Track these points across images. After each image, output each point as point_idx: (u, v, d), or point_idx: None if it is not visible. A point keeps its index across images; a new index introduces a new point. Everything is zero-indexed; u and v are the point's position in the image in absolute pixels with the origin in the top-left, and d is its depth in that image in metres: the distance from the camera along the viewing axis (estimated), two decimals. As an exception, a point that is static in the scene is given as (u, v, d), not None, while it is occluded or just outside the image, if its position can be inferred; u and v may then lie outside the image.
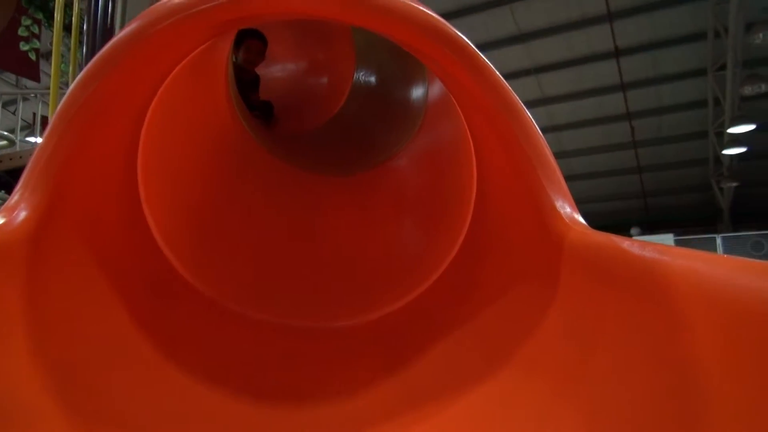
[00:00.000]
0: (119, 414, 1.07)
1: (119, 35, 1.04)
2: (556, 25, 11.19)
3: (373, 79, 2.91)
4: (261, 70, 3.14)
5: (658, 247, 0.85)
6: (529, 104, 1.11)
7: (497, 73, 1.09)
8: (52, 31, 3.47)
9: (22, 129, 5.53)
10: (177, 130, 1.69)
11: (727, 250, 12.62)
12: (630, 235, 14.03)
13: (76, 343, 1.08)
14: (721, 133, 12.76)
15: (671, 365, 0.75)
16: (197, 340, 1.44)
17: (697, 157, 14.53)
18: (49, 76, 3.37)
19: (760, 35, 9.37)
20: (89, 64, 1.02)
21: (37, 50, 6.00)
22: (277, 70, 3.43)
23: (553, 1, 10.62)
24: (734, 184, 13.93)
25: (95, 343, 1.13)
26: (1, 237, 0.91)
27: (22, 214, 0.95)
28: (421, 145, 2.20)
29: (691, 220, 15.76)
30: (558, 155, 1.10)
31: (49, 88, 3.37)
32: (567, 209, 1.09)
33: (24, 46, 5.85)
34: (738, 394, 0.65)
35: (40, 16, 5.86)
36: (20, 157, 3.32)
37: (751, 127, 11.44)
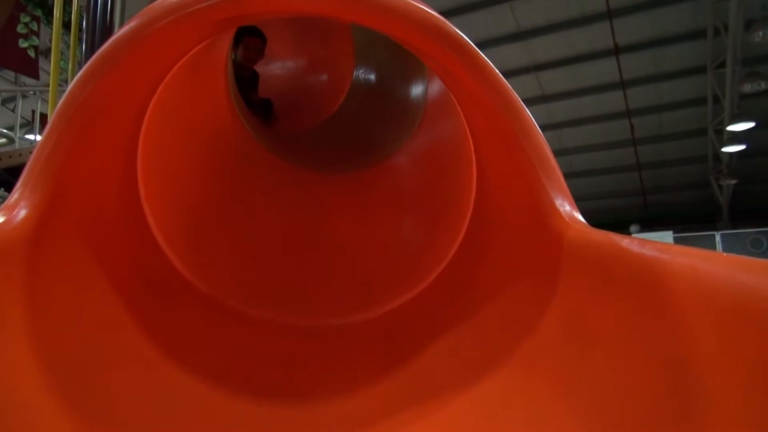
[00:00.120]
0: (119, 413, 1.07)
1: (118, 33, 1.04)
2: (556, 22, 11.18)
3: (372, 76, 2.90)
4: (260, 68, 3.14)
5: (657, 245, 0.85)
6: (529, 102, 1.11)
7: (497, 71, 1.09)
8: (51, 29, 3.46)
9: (21, 126, 5.52)
10: (176, 129, 1.69)
11: (726, 247, 12.64)
12: (629, 233, 14.04)
13: (76, 342, 1.08)
14: (720, 131, 12.76)
15: (670, 363, 0.75)
16: (197, 339, 1.44)
17: (696, 155, 14.53)
18: (48, 73, 3.37)
19: (760, 33, 9.35)
20: (88, 63, 1.02)
21: (36, 47, 5.98)
22: (276, 68, 3.42)
23: (552, -1, 10.62)
24: (733, 182, 13.93)
25: (95, 342, 1.13)
26: (1, 235, 0.91)
27: (22, 213, 0.95)
28: (420, 143, 2.19)
29: (691, 217, 15.77)
30: (558, 153, 1.10)
31: (48, 86, 3.36)
32: (566, 207, 1.09)
33: (23, 44, 5.84)
34: (737, 391, 0.65)
35: (39, 13, 5.85)
36: (20, 155, 3.31)
37: (751, 124, 11.43)
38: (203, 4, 1.03)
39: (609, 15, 10.01)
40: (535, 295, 1.16)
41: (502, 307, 1.30)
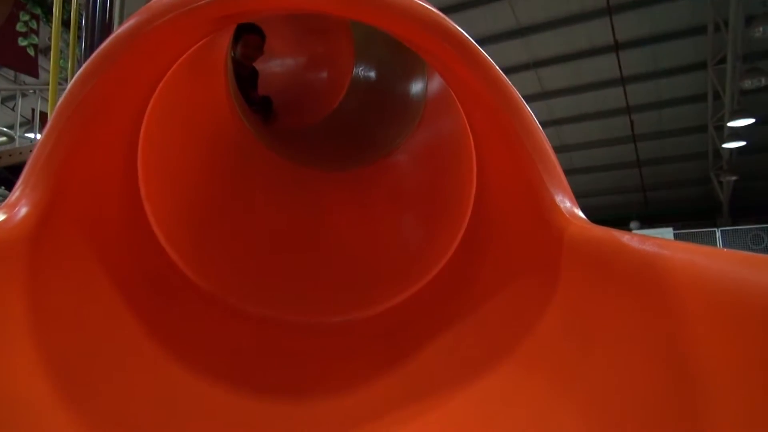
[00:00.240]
0: (120, 410, 1.07)
1: (118, 31, 1.03)
2: (556, 19, 11.16)
3: (372, 73, 2.90)
4: (260, 66, 3.13)
5: (657, 241, 0.85)
6: (529, 98, 1.10)
7: (497, 68, 1.09)
8: (51, 27, 3.45)
9: (21, 125, 5.51)
10: (177, 126, 1.69)
11: (727, 243, 12.64)
12: (629, 229, 14.03)
13: (77, 339, 1.08)
14: (720, 127, 12.74)
15: (671, 360, 0.75)
16: (198, 336, 1.44)
17: (696, 151, 14.52)
18: (48, 71, 3.36)
19: (760, 29, 9.33)
20: (88, 61, 1.02)
21: (35, 46, 5.98)
22: (276, 65, 3.42)
23: (552, -5, 10.61)
24: (734, 178, 13.92)
25: (97, 339, 1.13)
26: (2, 234, 0.92)
27: (23, 211, 0.95)
28: (420, 140, 2.19)
29: (691, 213, 15.76)
30: (558, 149, 1.09)
31: (48, 84, 3.36)
32: (567, 203, 1.09)
33: (22, 42, 5.83)
34: (738, 388, 0.65)
35: (38, 11, 5.84)
36: (20, 153, 3.32)
37: (751, 120, 11.42)
38: (202, 2, 1.03)
39: (609, 11, 9.99)
40: (536, 291, 1.16)
41: (503, 303, 1.30)
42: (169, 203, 1.62)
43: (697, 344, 0.72)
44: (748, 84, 10.58)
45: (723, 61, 11.18)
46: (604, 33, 10.69)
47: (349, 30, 2.97)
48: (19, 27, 5.79)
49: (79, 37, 3.47)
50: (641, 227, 15.10)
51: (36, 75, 6.29)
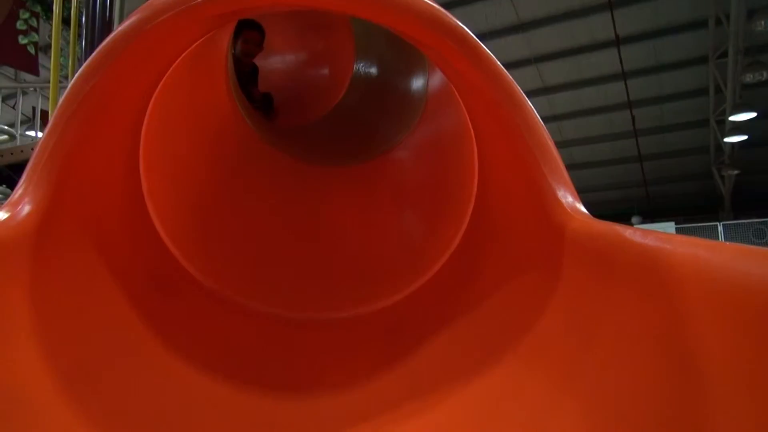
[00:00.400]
0: (123, 406, 1.08)
1: (119, 29, 1.03)
2: (557, 14, 11.13)
3: (373, 69, 2.90)
4: (261, 62, 3.13)
5: (660, 236, 0.85)
6: (530, 93, 1.10)
7: (498, 63, 1.09)
8: (51, 25, 3.45)
9: (22, 123, 5.52)
10: (178, 124, 1.69)
11: (729, 237, 12.63)
12: (631, 224, 13.98)
13: (81, 336, 1.08)
14: (722, 121, 12.72)
15: (674, 354, 0.75)
16: (200, 333, 1.45)
17: (698, 146, 14.49)
18: (49, 69, 3.36)
19: (762, 22, 9.30)
20: (89, 59, 1.02)
21: (35, 44, 5.97)
22: (276, 62, 3.42)
23: (553, -10, 10.58)
24: (735, 172, 13.90)
25: (99, 336, 1.14)
26: (5, 232, 0.92)
27: (26, 209, 0.95)
28: (422, 136, 2.19)
29: (693, 208, 15.74)
30: (559, 144, 1.09)
31: (48, 82, 3.36)
32: (569, 198, 1.08)
33: (23, 40, 5.83)
34: (742, 383, 0.65)
35: (38, 9, 5.83)
36: (21, 152, 3.32)
37: (753, 114, 11.39)
38: (202, -1, 1.03)
39: (610, 6, 9.95)
40: (538, 287, 1.16)
41: (505, 299, 1.30)
42: (172, 200, 1.62)
43: (699, 338, 0.72)
44: (749, 78, 10.56)
45: (724, 55, 11.14)
46: (605, 28, 10.66)
47: (349, 26, 2.96)
48: (20, 25, 5.79)
49: (80, 35, 3.46)
50: (643, 222, 15.09)
51: (36, 73, 6.29)
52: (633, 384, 0.83)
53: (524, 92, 1.10)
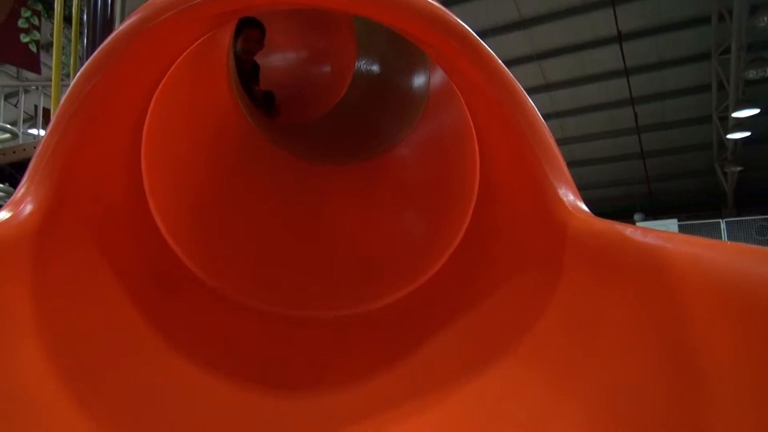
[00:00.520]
0: (125, 403, 1.08)
1: (120, 28, 1.04)
2: (558, 10, 11.11)
3: (374, 67, 2.89)
4: (262, 60, 3.13)
5: (660, 234, 0.85)
6: (532, 90, 1.11)
7: (499, 61, 1.09)
8: (52, 23, 3.46)
9: (24, 121, 5.53)
10: (180, 122, 1.70)
11: (732, 234, 12.59)
12: (633, 221, 14.01)
13: (83, 335, 1.09)
14: (725, 118, 12.69)
15: (674, 354, 0.75)
16: (202, 330, 1.45)
17: (700, 142, 14.47)
18: (50, 67, 3.37)
19: (765, 18, 9.28)
20: (91, 58, 1.02)
21: (37, 42, 5.99)
22: (278, 60, 3.42)
23: (555, -14, 10.55)
24: (738, 169, 13.87)
25: (102, 334, 1.14)
26: (8, 231, 0.92)
27: (28, 208, 0.96)
28: (423, 134, 2.19)
29: (695, 205, 15.71)
30: (561, 141, 1.10)
31: (50, 80, 3.37)
32: (570, 196, 1.09)
33: (24, 38, 5.84)
34: (744, 381, 0.65)
35: (39, 7, 5.84)
36: (23, 150, 3.33)
37: (756, 111, 11.36)
38: (204, -2, 1.03)
39: (612, 2, 9.93)
40: (539, 285, 1.16)
41: (506, 298, 1.30)
42: (173, 198, 1.63)
43: (700, 337, 0.72)
44: (752, 74, 10.54)
45: (727, 51, 11.12)
46: (607, 24, 10.64)
47: (351, 24, 2.96)
48: (21, 23, 5.80)
49: (81, 33, 3.47)
50: (645, 219, 15.07)
51: (38, 71, 6.31)
52: (633, 383, 0.83)
53: (526, 89, 1.10)
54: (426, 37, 1.18)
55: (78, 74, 1.03)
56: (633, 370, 0.84)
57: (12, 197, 0.98)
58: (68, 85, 1.05)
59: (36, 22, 5.88)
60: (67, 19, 3.72)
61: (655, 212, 15.53)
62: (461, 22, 1.06)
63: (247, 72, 2.89)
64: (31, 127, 7.11)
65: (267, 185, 2.10)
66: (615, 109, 13.51)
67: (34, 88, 6.46)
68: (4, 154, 3.37)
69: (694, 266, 0.76)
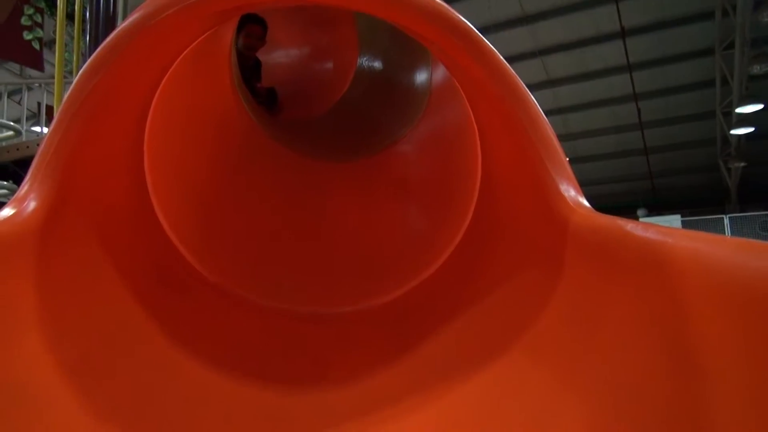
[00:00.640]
0: (128, 399, 1.09)
1: (122, 25, 1.04)
2: (561, 6, 11.08)
3: (376, 64, 2.90)
4: (265, 57, 3.13)
5: (661, 229, 0.85)
6: (535, 86, 1.11)
7: (501, 58, 1.09)
8: (55, 20, 3.46)
9: (27, 118, 5.54)
10: (182, 119, 1.70)
11: (735, 230, 12.55)
12: (637, 217, 13.99)
13: (87, 331, 1.09)
14: (728, 113, 12.65)
15: (675, 348, 0.76)
16: (205, 327, 1.46)
17: (704, 138, 14.42)
18: (53, 65, 3.38)
19: (769, 13, 9.23)
20: (93, 55, 1.03)
21: (40, 39, 6.00)
22: (280, 56, 3.42)
23: (558, -18, 10.52)
24: (742, 164, 13.83)
25: (105, 330, 1.15)
26: (12, 228, 0.93)
27: (32, 205, 0.96)
28: (425, 130, 2.19)
29: (699, 200, 15.67)
30: (564, 137, 1.10)
31: (53, 78, 3.38)
32: (571, 192, 1.09)
33: (27, 36, 5.85)
34: (744, 375, 0.65)
35: (42, 5, 5.85)
36: (27, 147, 3.34)
37: (759, 106, 11.33)
38: (206, -5, 1.03)
39: (615, -3, 9.90)
40: (541, 281, 1.16)
41: (507, 293, 1.30)
42: (176, 195, 1.63)
43: (701, 332, 0.72)
44: (756, 69, 10.50)
45: (731, 46, 11.07)
46: (610, 19, 10.60)
47: (353, 20, 2.96)
48: (24, 21, 5.81)
49: (84, 31, 3.47)
50: (649, 215, 15.04)
51: (41, 68, 6.32)
52: (634, 378, 0.83)
53: (529, 85, 1.10)
54: (428, 34, 1.18)
55: (80, 72, 1.04)
56: (634, 365, 0.84)
57: (15, 194, 0.98)
58: (71, 83, 1.06)
59: (39, 19, 5.89)
60: (69, 17, 3.72)
61: (658, 208, 15.49)
62: (463, 18, 1.06)
63: (249, 68, 2.89)
64: (34, 124, 7.12)
65: (269, 182, 2.10)
66: (618, 105, 13.47)
67: (37, 85, 6.48)
68: (8, 152, 3.38)
69: (694, 261, 0.76)
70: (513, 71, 1.10)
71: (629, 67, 11.34)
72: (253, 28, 2.87)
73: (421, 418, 1.16)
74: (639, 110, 12.59)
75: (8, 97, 5.76)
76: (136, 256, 1.39)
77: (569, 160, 1.13)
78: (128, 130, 1.39)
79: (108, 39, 1.03)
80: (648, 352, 0.82)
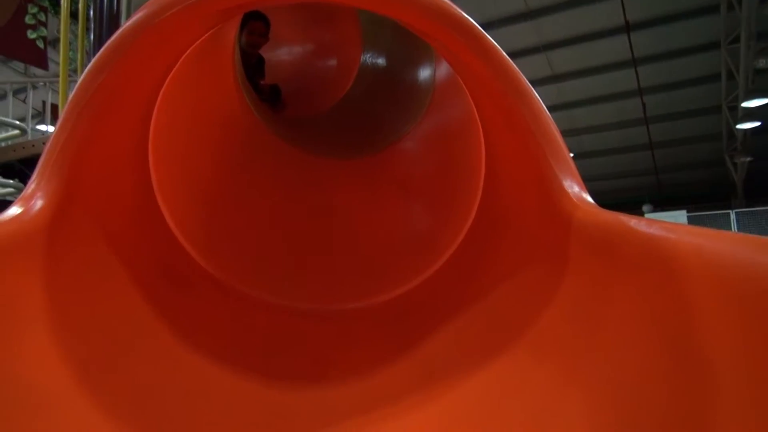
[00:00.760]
0: (134, 394, 1.10)
1: (126, 25, 1.04)
2: (565, 0, 11.02)
3: (380, 60, 2.89)
4: (268, 54, 3.13)
5: (665, 225, 0.85)
6: (539, 82, 1.11)
7: (505, 55, 1.09)
8: (59, 19, 3.47)
9: (32, 117, 5.57)
10: (186, 117, 1.71)
11: (742, 225, 12.50)
12: (642, 213, 13.94)
13: (93, 327, 1.10)
14: (734, 107, 12.58)
15: (678, 344, 0.76)
16: (210, 323, 1.47)
17: (710, 132, 14.35)
18: (58, 63, 3.39)
19: (775, 6, 9.16)
20: (97, 55, 1.03)
21: (44, 38, 6.01)
22: (283, 53, 3.42)
23: (562, -24, 10.47)
24: (748, 159, 13.76)
25: (111, 327, 1.16)
26: (19, 226, 0.94)
27: (39, 204, 0.97)
28: (429, 126, 2.19)
29: (705, 196, 15.62)
30: (569, 133, 1.10)
31: (58, 76, 3.39)
32: (575, 188, 1.09)
33: (31, 35, 5.87)
34: (747, 371, 0.66)
35: (46, 3, 5.87)
36: (32, 146, 3.35)
37: (765, 100, 11.25)
38: (209, -7, 1.03)
39: (620, -9, 9.84)
40: (544, 277, 1.16)
41: (511, 290, 1.30)
42: (181, 193, 1.64)
43: (703, 328, 0.72)
44: (762, 63, 10.43)
45: (737, 40, 11.00)
46: (614, 14, 10.54)
47: (356, 17, 2.96)
48: (28, 20, 5.83)
49: (88, 29, 3.48)
50: (654, 210, 14.99)
51: (45, 67, 6.33)
52: (637, 375, 0.83)
53: (533, 80, 1.10)
54: (430, 31, 1.18)
55: (85, 71, 1.04)
56: (636, 361, 0.84)
57: (23, 193, 0.99)
58: (76, 81, 1.06)
59: (43, 18, 5.91)
60: (73, 15, 3.73)
61: (663, 203, 15.44)
62: (465, 14, 1.06)
63: (252, 66, 2.90)
64: (39, 122, 7.15)
65: (272, 179, 2.11)
66: (623, 100, 13.42)
67: (42, 84, 6.50)
68: (14, 151, 3.40)
69: (698, 257, 0.76)
70: (516, 68, 1.10)
71: (634, 62, 11.28)
72: (255, 25, 2.87)
73: (422, 416, 1.17)
74: (644, 105, 12.53)
75: (13, 95, 5.78)
76: (141, 253, 1.40)
77: (574, 156, 1.13)
78: (133, 129, 1.40)
79: (113, 38, 1.04)
80: (651, 349, 0.82)
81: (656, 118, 13.43)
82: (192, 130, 1.78)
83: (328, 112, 2.92)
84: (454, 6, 1.06)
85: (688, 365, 0.73)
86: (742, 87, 11.65)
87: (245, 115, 2.17)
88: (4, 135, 4.90)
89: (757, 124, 12.16)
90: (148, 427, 1.06)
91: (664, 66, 12.44)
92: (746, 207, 13.87)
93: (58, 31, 3.45)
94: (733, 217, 12.82)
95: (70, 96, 1.04)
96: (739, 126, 12.62)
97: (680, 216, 12.73)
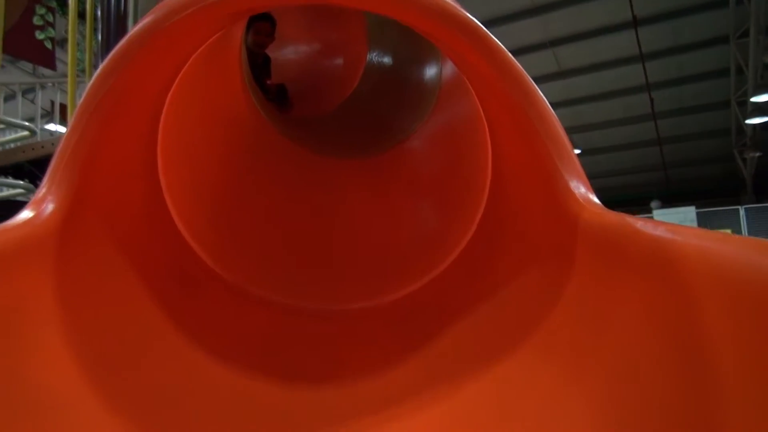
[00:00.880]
0: (145, 396, 1.11)
1: (134, 30, 1.05)
2: (572, -4, 10.96)
3: (386, 59, 2.89)
4: (274, 53, 3.14)
5: (671, 227, 0.85)
6: (547, 78, 1.11)
7: (509, 54, 1.08)
8: (67, 19, 3.50)
9: (41, 117, 5.61)
10: (195, 119, 1.72)
11: (751, 221, 12.39)
12: (650, 209, 13.87)
13: (104, 330, 1.12)
14: (743, 102, 12.47)
15: (684, 346, 0.76)
16: (220, 324, 1.48)
17: (719, 128, 14.24)
18: (66, 63, 3.41)
19: (785, 0, 9.07)
20: (106, 59, 1.04)
21: (52, 39, 6.06)
22: (289, 53, 3.43)
23: (568, -28, 10.40)
24: (757, 154, 13.65)
25: (121, 329, 1.17)
26: (31, 230, 0.95)
27: (50, 207, 0.98)
28: (435, 126, 2.19)
29: (714, 191, 15.51)
30: (577, 129, 1.10)
31: (66, 76, 3.41)
32: (581, 189, 1.09)
33: (39, 35, 5.92)
34: (753, 372, 0.66)
35: (53, 4, 5.91)
36: (42, 147, 3.38)
37: (775, 95, 11.15)
38: (217, -3, 1.04)
39: (627, -14, 9.77)
40: (550, 278, 1.16)
41: (517, 290, 1.31)
42: (190, 195, 1.65)
43: (709, 330, 0.72)
44: (771, 58, 10.32)
45: (746, 34, 10.90)
46: (622, 9, 10.46)
47: (362, 16, 2.96)
48: (36, 20, 5.88)
49: (96, 29, 3.50)
50: (663, 206, 14.90)
51: (53, 67, 6.38)
52: (642, 376, 0.83)
53: (540, 77, 1.11)
54: (434, 32, 1.18)
55: (94, 75, 1.05)
56: (643, 363, 0.84)
57: (34, 196, 1.01)
58: (84, 81, 1.08)
59: (50, 19, 5.96)
60: (81, 16, 3.75)
61: (672, 199, 15.35)
62: (469, 15, 1.06)
63: (258, 66, 2.90)
64: (48, 122, 7.20)
65: (280, 179, 2.12)
66: (631, 96, 13.33)
67: (50, 84, 6.55)
68: (23, 152, 3.43)
69: (703, 259, 0.76)
70: (521, 68, 1.10)
71: (642, 57, 11.19)
72: (261, 25, 2.88)
73: (429, 416, 1.17)
74: (652, 100, 12.45)
75: (22, 95, 5.83)
76: (151, 255, 1.41)
77: (581, 152, 1.13)
78: (142, 131, 1.41)
79: (121, 42, 1.05)
80: (657, 350, 0.82)
81: (664, 113, 13.34)
82: (200, 131, 1.79)
83: (335, 112, 2.92)
84: (458, 6, 1.05)
85: (693, 367, 0.73)
86: (751, 82, 11.54)
87: (252, 115, 2.18)
88: (13, 136, 4.94)
89: (766, 119, 12.04)
90: (158, 428, 1.07)
91: (673, 61, 12.35)
92: (756, 203, 13.76)
93: (66, 31, 3.47)
94: (742, 213, 12.71)
95: (80, 99, 1.05)
96: (748, 121, 12.50)
97: (689, 212, 12.64)
